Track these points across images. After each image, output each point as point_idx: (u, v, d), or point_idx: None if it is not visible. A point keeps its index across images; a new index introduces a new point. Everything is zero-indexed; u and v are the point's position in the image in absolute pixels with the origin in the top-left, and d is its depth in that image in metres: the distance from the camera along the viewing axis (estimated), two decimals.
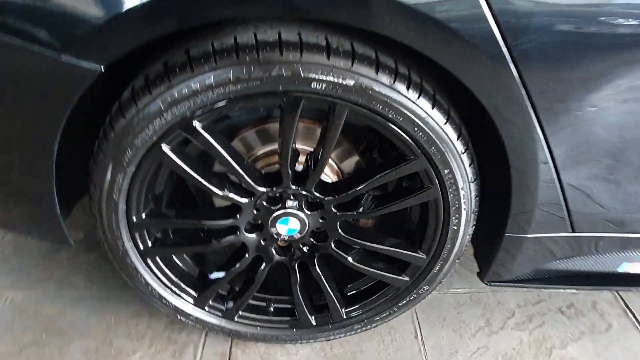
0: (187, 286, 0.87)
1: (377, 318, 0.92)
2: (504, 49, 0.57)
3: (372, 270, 0.85)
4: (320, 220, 0.79)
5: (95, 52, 0.58)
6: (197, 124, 0.65)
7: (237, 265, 0.84)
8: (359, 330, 0.94)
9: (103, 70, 0.59)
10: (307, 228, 0.79)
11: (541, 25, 0.57)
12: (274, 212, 0.77)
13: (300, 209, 0.77)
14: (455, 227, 0.77)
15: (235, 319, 0.91)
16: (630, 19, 0.57)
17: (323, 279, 0.85)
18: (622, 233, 0.81)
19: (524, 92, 0.61)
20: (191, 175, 0.71)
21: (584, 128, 0.66)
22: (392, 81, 0.62)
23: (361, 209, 0.79)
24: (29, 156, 0.70)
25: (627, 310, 1.09)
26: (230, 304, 0.90)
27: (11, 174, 0.74)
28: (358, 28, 0.59)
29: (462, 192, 0.72)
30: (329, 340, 0.96)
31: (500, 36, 0.56)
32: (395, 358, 0.94)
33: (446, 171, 0.70)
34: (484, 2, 0.54)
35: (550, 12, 0.56)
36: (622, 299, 1.11)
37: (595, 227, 0.80)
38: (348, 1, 0.57)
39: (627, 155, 0.70)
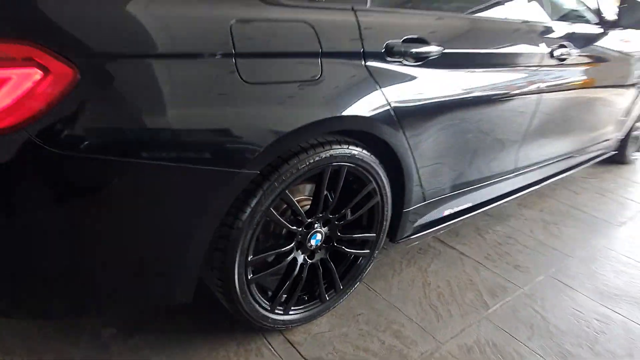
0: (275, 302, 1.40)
1: (357, 281, 1.62)
2: (398, 124, 1.41)
3: (354, 251, 1.56)
4: (329, 230, 1.46)
5: (261, 162, 1.14)
6: (287, 192, 1.26)
7: (294, 273, 1.41)
8: (349, 294, 1.62)
9: (260, 173, 1.16)
10: (323, 237, 1.45)
11: (411, 114, 1.43)
12: (309, 233, 1.41)
13: (321, 227, 1.43)
14: (385, 214, 1.56)
15: (290, 312, 1.46)
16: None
17: (333, 265, 1.51)
18: (443, 196, 1.77)
19: (405, 140, 1.46)
20: (280, 220, 1.30)
21: (426, 153, 1.56)
22: (361, 150, 1.37)
23: (345, 218, 1.50)
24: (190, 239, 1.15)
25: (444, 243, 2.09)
26: (283, 303, 1.45)
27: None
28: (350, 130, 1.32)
29: (387, 196, 1.53)
30: (335, 306, 1.60)
31: (397, 120, 1.40)
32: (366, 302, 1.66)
33: (381, 187, 1.49)
34: (389, 106, 1.36)
35: (413, 109, 1.44)
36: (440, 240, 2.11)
37: (433, 196, 1.73)
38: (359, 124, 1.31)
39: (445, 160, 1.65)
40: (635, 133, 3.21)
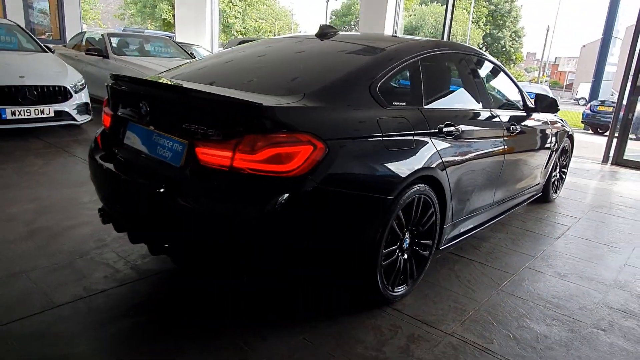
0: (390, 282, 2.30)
1: (422, 273, 2.56)
2: (445, 171, 2.46)
3: (422, 252, 2.51)
4: (410, 237, 2.42)
5: (395, 193, 2.11)
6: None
7: (397, 264, 2.33)
8: (418, 281, 2.55)
9: None
10: (408, 241, 2.40)
11: (450, 165, 2.50)
12: (404, 236, 2.35)
13: (408, 235, 2.39)
14: (437, 227, 2.55)
15: (395, 290, 2.35)
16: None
17: (413, 261, 2.45)
18: (460, 218, 2.82)
19: (447, 180, 2.50)
20: (396, 229, 2.24)
21: (455, 188, 2.62)
22: (427, 186, 2.38)
23: (418, 229, 2.46)
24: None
25: None
26: (392, 284, 2.33)
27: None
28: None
29: (438, 216, 2.53)
30: (412, 289, 2.50)
31: (444, 168, 2.45)
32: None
33: (436, 210, 2.49)
34: (441, 161, 2.42)
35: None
36: None
37: (456, 218, 2.76)
38: None
39: (463, 192, 2.71)
40: (552, 180, 4.56)
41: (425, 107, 2.45)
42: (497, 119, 3.12)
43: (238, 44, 9.20)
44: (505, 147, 3.15)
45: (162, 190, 1.97)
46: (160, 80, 2.32)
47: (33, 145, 5.22)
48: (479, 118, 2.94)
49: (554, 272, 2.96)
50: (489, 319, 2.33)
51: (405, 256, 2.41)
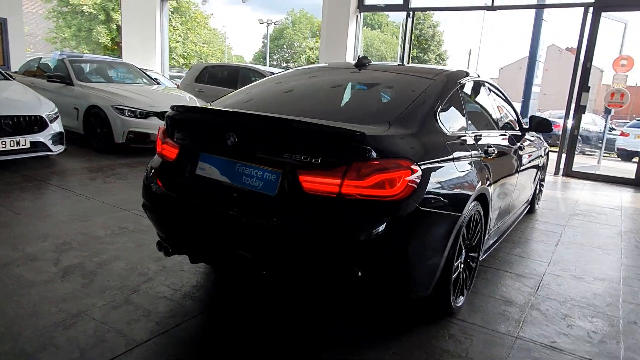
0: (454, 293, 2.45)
1: (472, 283, 2.75)
2: (489, 189, 2.70)
3: (472, 264, 2.71)
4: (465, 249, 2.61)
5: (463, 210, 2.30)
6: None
7: (459, 277, 2.50)
8: (470, 291, 2.74)
9: None
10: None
11: (492, 184, 2.74)
12: (463, 250, 2.54)
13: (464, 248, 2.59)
14: (482, 240, 2.77)
15: (457, 300, 2.51)
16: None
17: (467, 272, 2.63)
18: (493, 230, 3.06)
19: (489, 198, 2.74)
20: (461, 243, 2.41)
21: (492, 204, 2.86)
22: (478, 202, 2.60)
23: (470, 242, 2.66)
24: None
25: None
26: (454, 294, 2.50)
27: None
28: None
29: (483, 229, 2.75)
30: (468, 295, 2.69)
31: (489, 186, 2.69)
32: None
33: (483, 224, 2.71)
34: (490, 180, 2.66)
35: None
36: None
37: (490, 231, 3.01)
38: None
39: (495, 207, 2.96)
40: (537, 192, 5.01)
41: (470, 131, 2.69)
42: (511, 139, 3.44)
43: (203, 69, 9.15)
44: (518, 164, 3.47)
45: (261, 220, 2.02)
46: (249, 112, 2.35)
47: (12, 180, 4.87)
48: (502, 139, 3.24)
49: (570, 275, 3.28)
50: (542, 321, 2.56)
51: (461, 268, 2.60)
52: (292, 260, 2.02)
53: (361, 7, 9.61)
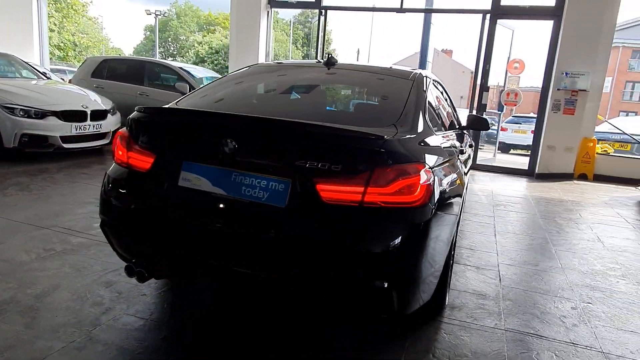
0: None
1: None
2: None
3: None
4: None
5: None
6: None
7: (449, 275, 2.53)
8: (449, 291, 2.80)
9: None
10: None
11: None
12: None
13: None
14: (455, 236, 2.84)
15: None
16: None
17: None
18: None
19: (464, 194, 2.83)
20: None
21: (466, 198, 2.95)
22: None
23: None
24: None
25: None
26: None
27: None
28: None
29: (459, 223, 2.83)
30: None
31: None
32: None
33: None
34: None
35: None
36: None
37: None
38: None
39: (466, 203, 3.05)
40: None
41: (447, 130, 2.73)
42: (460, 137, 3.59)
43: (101, 63, 8.24)
44: (467, 160, 3.63)
45: (270, 233, 1.82)
46: (253, 115, 2.08)
47: None
48: (458, 137, 3.35)
49: (519, 263, 3.53)
50: (517, 311, 2.70)
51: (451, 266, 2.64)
52: (309, 274, 1.85)
53: (272, 2, 9.42)
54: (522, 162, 8.88)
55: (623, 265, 3.65)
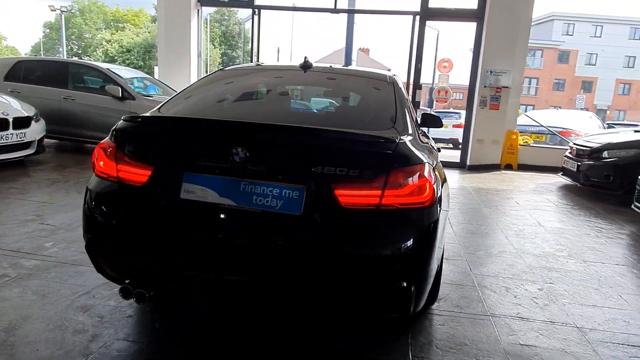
0: None
1: None
2: None
3: None
4: None
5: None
6: None
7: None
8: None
9: None
10: None
11: None
12: None
13: None
14: None
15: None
16: None
17: None
18: None
19: None
20: None
21: None
22: None
23: None
24: None
25: None
26: None
27: None
28: None
29: None
30: None
31: None
32: None
33: None
34: None
35: None
36: None
37: None
38: None
39: None
40: None
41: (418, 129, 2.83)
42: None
43: (15, 65, 7.49)
44: None
45: (287, 242, 1.79)
46: (264, 122, 2.00)
47: None
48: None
49: (482, 254, 3.77)
50: (496, 297, 2.90)
51: None
52: (331, 280, 1.84)
53: (202, 1, 9.12)
54: (451, 155, 9.44)
55: (567, 246, 4.03)
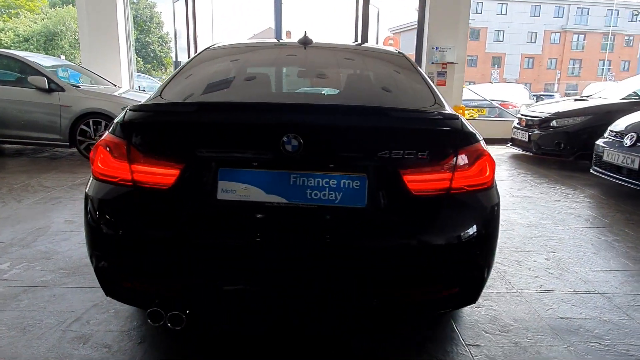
0: None
1: None
2: None
3: None
4: None
5: None
6: None
7: None
8: None
9: None
10: None
11: None
12: None
13: None
14: None
15: None
16: None
17: None
18: None
19: None
20: None
21: None
22: None
23: None
24: None
25: None
26: None
27: None
28: None
29: None
30: None
31: None
32: None
33: None
34: None
35: None
36: None
37: None
38: None
39: None
40: None
41: None
42: None
43: None
44: None
45: (354, 240, 1.57)
46: (320, 103, 1.71)
47: None
48: None
49: None
50: (512, 272, 2.87)
51: None
52: (408, 277, 1.65)
53: None
54: None
55: (547, 214, 4.15)
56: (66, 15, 39.86)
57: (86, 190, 1.73)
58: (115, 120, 1.70)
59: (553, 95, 21.71)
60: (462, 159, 1.65)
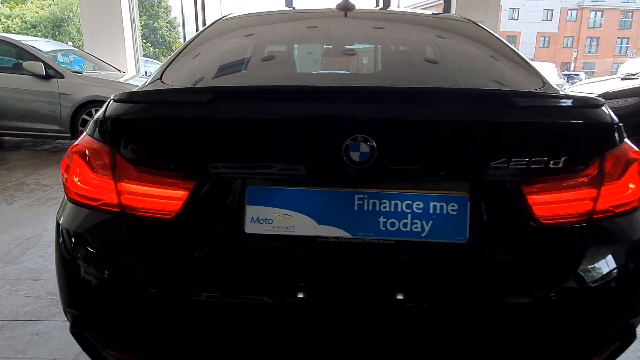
0: None
1: None
2: None
3: None
4: None
5: None
6: None
7: None
8: None
9: None
10: None
11: None
12: None
13: None
14: None
15: None
16: None
17: None
18: None
19: None
20: None
21: None
22: None
23: None
24: None
25: None
26: None
27: None
28: None
29: None
30: None
31: None
32: None
33: None
34: None
35: None
36: None
37: None
38: None
39: None
40: None
41: None
42: None
43: None
44: None
45: (457, 297, 1.03)
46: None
47: None
48: None
49: None
50: None
51: None
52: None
53: None
54: None
55: None
56: (73, 1, 39.34)
57: (57, 217, 1.21)
58: (95, 117, 1.17)
59: (578, 75, 20.74)
60: (611, 167, 1.09)
